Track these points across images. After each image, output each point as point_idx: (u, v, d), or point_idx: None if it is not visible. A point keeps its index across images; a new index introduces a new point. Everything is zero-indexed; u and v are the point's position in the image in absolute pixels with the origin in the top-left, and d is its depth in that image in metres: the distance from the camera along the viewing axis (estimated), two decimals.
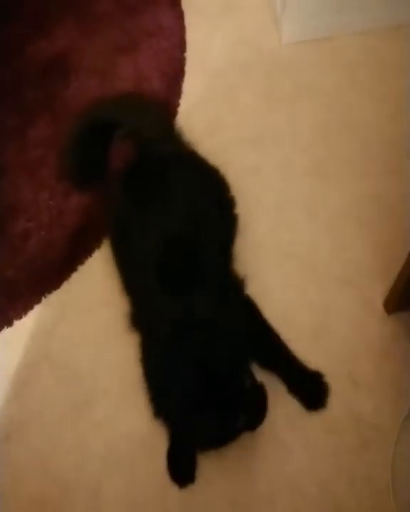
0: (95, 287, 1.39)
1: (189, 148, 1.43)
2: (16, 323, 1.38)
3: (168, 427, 1.16)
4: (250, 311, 1.26)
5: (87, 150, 1.40)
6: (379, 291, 1.31)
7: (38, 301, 1.41)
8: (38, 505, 1.16)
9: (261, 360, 1.20)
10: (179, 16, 1.94)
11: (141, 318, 1.22)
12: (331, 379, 1.21)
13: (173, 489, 1.15)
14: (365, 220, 1.43)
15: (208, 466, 1.15)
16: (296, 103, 1.68)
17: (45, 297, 1.41)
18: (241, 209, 1.43)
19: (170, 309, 1.14)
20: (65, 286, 1.42)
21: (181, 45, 1.88)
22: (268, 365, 1.21)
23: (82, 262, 1.46)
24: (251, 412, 1.06)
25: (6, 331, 1.37)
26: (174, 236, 1.20)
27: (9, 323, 1.38)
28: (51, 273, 1.44)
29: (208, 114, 1.69)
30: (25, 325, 1.37)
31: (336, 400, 1.20)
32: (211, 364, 1.04)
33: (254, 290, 1.29)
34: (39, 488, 1.17)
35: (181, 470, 1.16)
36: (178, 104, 1.74)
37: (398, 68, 1.68)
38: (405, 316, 1.28)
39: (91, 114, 1.47)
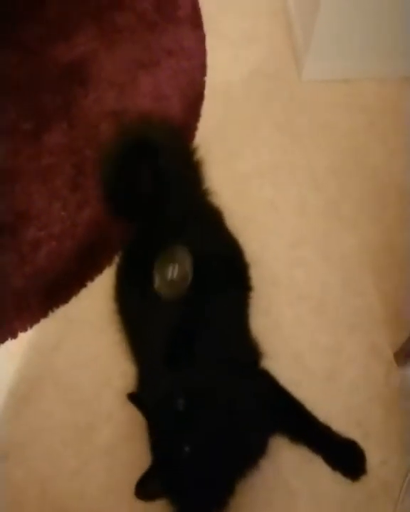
0: (104, 306, 1.35)
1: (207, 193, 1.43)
2: (21, 335, 1.34)
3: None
4: (271, 386, 1.21)
5: (123, 175, 1.34)
6: (388, 339, 1.33)
7: (45, 314, 1.37)
8: None
9: (292, 434, 1.18)
10: (201, 38, 1.96)
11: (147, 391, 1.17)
12: (340, 426, 1.20)
13: None
14: (377, 265, 1.45)
15: None
16: (312, 141, 1.71)
17: (52, 311, 1.37)
18: (257, 242, 1.44)
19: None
20: (74, 301, 1.39)
21: (201, 68, 1.90)
22: (300, 439, 1.18)
23: (91, 278, 1.43)
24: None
25: (10, 342, 1.33)
26: (180, 322, 1.16)
27: (14, 335, 1.34)
28: (60, 286, 1.41)
29: (225, 141, 1.70)
30: (30, 338, 1.34)
31: None
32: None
33: (265, 326, 1.30)
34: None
35: None
36: (196, 128, 1.75)
37: None
38: None
39: (125, 138, 1.41)
